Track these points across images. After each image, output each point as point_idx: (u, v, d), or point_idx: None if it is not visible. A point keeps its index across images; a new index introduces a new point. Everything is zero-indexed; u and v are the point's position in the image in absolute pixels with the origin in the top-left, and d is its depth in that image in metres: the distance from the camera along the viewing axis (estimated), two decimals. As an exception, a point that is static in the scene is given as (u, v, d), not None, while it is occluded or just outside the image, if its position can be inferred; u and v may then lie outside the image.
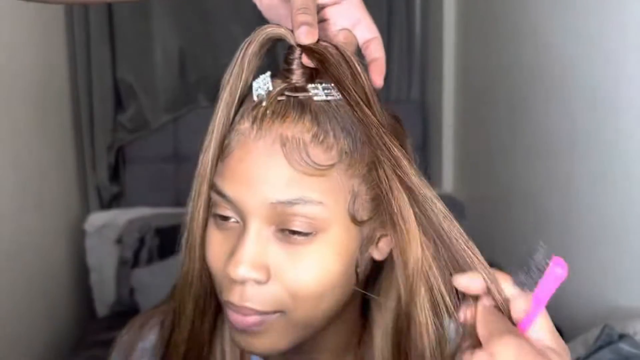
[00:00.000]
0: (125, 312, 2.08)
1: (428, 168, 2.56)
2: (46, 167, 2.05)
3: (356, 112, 0.48)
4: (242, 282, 0.48)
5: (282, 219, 0.48)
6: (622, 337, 1.23)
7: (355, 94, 0.48)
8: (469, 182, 2.35)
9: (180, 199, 2.34)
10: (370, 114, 0.48)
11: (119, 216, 2.28)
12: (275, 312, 0.49)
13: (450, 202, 2.39)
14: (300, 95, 0.49)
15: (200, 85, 2.45)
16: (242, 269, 0.47)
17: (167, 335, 0.60)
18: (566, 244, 1.68)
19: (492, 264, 1.89)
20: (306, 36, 0.48)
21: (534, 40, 1.81)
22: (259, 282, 0.48)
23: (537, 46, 1.79)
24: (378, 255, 0.53)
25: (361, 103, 0.48)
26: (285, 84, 0.50)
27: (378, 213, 0.51)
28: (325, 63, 0.48)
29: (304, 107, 0.49)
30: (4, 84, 1.69)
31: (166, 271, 2.00)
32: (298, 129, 0.48)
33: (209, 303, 0.57)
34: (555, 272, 0.47)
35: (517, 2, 1.90)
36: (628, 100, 1.41)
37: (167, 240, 2.12)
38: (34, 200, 1.92)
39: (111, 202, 2.47)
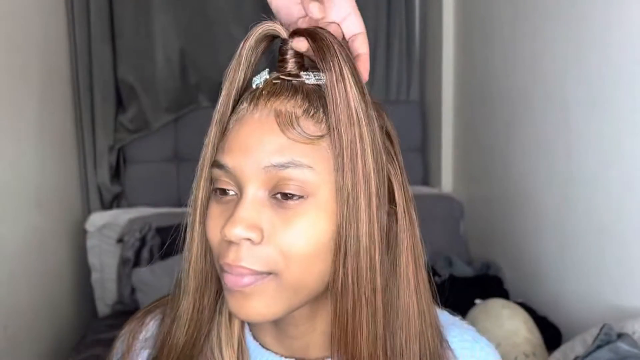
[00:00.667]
0: (127, 311, 2.09)
1: (427, 168, 2.57)
2: (48, 167, 2.06)
3: (340, 86, 0.52)
4: (238, 243, 0.52)
5: (275, 183, 0.52)
6: (620, 336, 1.24)
7: (343, 70, 0.52)
8: (468, 182, 2.35)
9: (181, 198, 2.35)
10: (355, 88, 0.52)
11: (120, 216, 2.29)
12: (268, 273, 0.52)
13: (450, 202, 2.42)
14: (294, 79, 0.55)
15: (200, 85, 2.46)
16: (237, 229, 0.51)
17: (169, 322, 0.62)
18: (565, 244, 1.68)
19: (490, 264, 1.90)
20: (318, 11, 0.54)
21: (532, 41, 1.82)
22: (253, 242, 0.51)
23: (536, 47, 1.80)
24: None
25: (347, 78, 0.52)
26: (280, 72, 0.56)
27: None
28: (318, 42, 0.53)
29: (296, 88, 0.54)
30: (6, 85, 1.70)
31: (167, 271, 2.01)
32: (290, 105, 0.53)
33: (209, 282, 0.60)
34: None
35: (516, 3, 1.91)
36: (626, 100, 1.41)
37: (168, 240, 2.13)
38: (35, 200, 1.92)
39: (112, 202, 2.48)
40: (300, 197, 0.51)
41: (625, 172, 1.43)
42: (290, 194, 0.51)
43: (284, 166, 0.51)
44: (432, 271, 0.61)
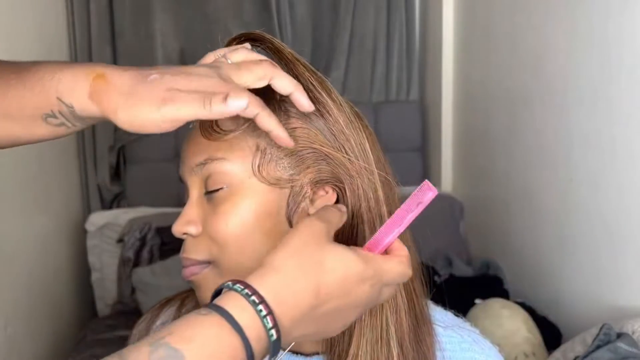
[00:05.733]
0: (127, 311, 2.09)
1: (427, 168, 2.57)
2: (48, 167, 2.06)
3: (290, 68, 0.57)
4: (185, 238, 0.59)
5: (204, 183, 0.58)
6: (620, 336, 1.24)
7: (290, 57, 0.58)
8: (468, 182, 2.35)
9: (181, 198, 2.35)
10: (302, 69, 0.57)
11: (120, 216, 2.29)
12: (207, 262, 0.57)
13: (449, 202, 2.42)
14: None
15: (201, 85, 2.45)
16: (176, 226, 0.58)
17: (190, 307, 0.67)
18: (564, 243, 1.68)
19: (490, 264, 1.90)
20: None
21: (533, 41, 1.82)
22: (192, 236, 0.58)
23: (537, 47, 1.80)
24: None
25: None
26: None
27: (307, 171, 0.57)
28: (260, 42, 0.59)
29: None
30: (6, 85, 1.70)
31: (167, 270, 2.01)
32: None
33: None
34: (420, 195, 0.52)
35: (517, 3, 1.91)
36: (627, 100, 1.41)
37: (168, 240, 2.13)
38: (35, 200, 1.92)
39: (112, 201, 2.48)
40: (222, 188, 0.56)
41: (625, 172, 1.43)
42: (214, 189, 0.57)
43: (203, 164, 0.57)
44: (432, 271, 0.62)
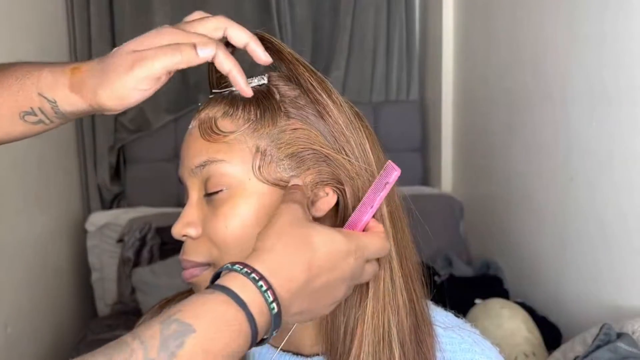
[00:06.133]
0: (127, 311, 2.09)
1: (427, 168, 2.57)
2: (48, 168, 2.06)
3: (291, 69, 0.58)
4: (184, 240, 0.59)
5: (204, 185, 0.58)
6: (620, 336, 1.24)
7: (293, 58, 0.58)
8: (468, 181, 2.35)
9: (181, 198, 2.35)
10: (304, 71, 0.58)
11: (120, 216, 2.29)
12: (207, 263, 0.58)
13: (449, 202, 2.41)
14: (225, 91, 0.61)
15: (200, 85, 2.46)
16: (176, 228, 0.58)
17: None
18: (565, 243, 1.68)
19: (490, 264, 1.89)
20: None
21: (532, 41, 1.82)
22: (192, 238, 0.58)
23: (536, 47, 1.80)
24: (315, 212, 0.58)
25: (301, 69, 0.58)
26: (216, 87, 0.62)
27: (307, 172, 0.57)
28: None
29: (224, 97, 0.60)
30: (6, 85, 1.70)
31: (167, 270, 2.01)
32: (214, 111, 0.59)
33: None
34: (386, 176, 0.55)
35: (516, 2, 1.91)
36: (626, 100, 1.41)
37: (168, 240, 2.13)
38: (35, 200, 1.92)
39: (112, 201, 2.48)
40: (221, 190, 0.56)
41: (624, 171, 1.43)
42: (214, 191, 0.57)
43: (202, 165, 0.57)
44: (432, 271, 0.62)
